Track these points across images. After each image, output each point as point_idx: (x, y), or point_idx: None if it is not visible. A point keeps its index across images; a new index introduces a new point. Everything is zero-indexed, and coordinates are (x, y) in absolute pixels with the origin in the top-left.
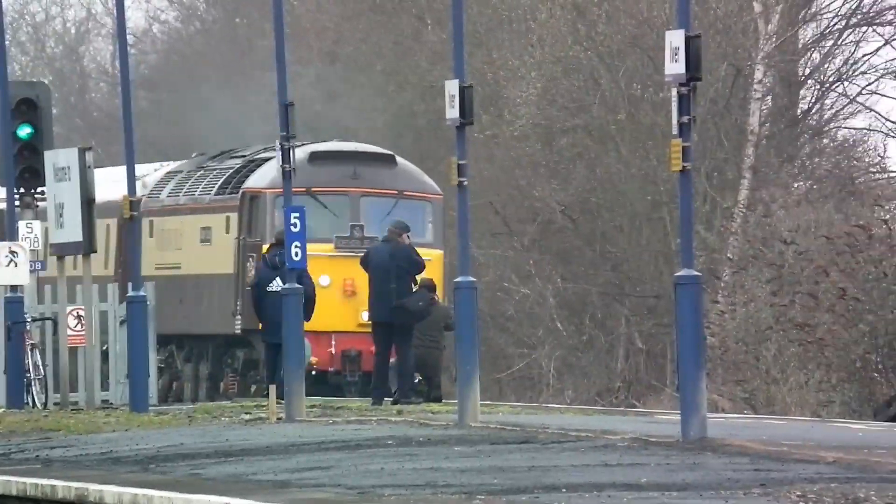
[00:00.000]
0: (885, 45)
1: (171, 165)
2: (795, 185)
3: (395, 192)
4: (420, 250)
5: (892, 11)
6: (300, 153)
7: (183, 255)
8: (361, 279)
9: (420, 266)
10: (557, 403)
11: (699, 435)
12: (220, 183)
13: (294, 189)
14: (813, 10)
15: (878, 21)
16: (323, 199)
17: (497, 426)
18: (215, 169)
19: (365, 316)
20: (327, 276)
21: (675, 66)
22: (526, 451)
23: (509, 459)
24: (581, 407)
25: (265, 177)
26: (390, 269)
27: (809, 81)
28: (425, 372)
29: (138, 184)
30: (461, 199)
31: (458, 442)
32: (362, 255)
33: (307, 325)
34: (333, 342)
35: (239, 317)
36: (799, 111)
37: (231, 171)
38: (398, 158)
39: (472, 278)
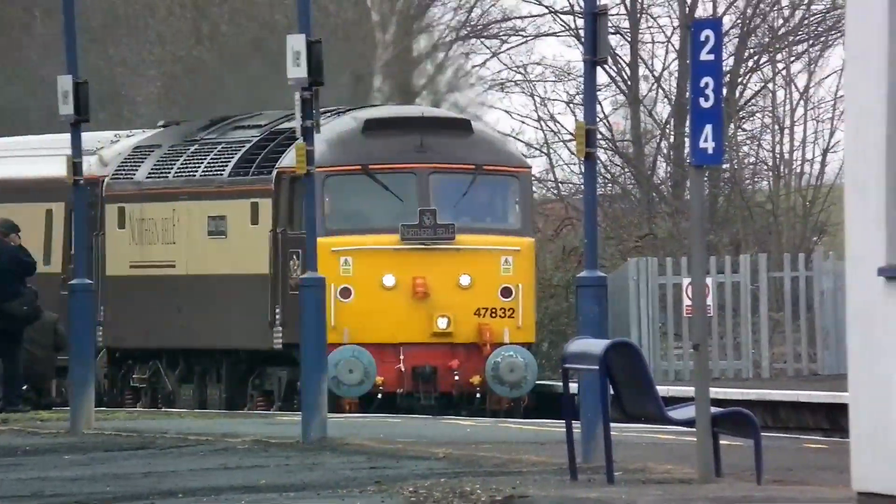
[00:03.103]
0: (492, 57)
1: (138, 137)
2: None
3: (473, 166)
4: (503, 239)
5: (499, 25)
6: (349, 121)
7: (179, 251)
8: (435, 278)
9: (27, 267)
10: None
11: (319, 435)
12: (236, 160)
13: (346, 167)
14: (426, 21)
15: (485, 34)
16: (383, 179)
17: (112, 432)
18: (220, 143)
19: (442, 323)
20: (392, 274)
21: (297, 71)
22: (143, 457)
23: (125, 466)
24: (202, 411)
25: None
26: None
27: (424, 92)
28: (33, 379)
29: (92, 160)
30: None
31: (70, 450)
32: None
33: (369, 338)
34: (402, 357)
35: (280, 328)
36: None
37: (250, 144)
38: (475, 125)
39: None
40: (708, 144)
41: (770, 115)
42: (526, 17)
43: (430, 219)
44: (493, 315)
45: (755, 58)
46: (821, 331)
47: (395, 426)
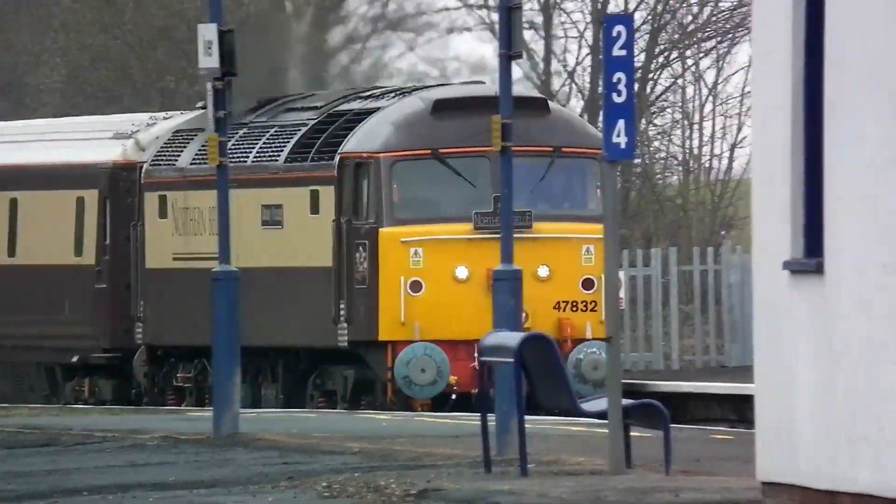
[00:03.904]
0: (408, 51)
1: (177, 120)
2: None
3: (551, 148)
4: (583, 227)
5: (416, 18)
6: (416, 102)
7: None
8: None
9: None
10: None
11: (231, 431)
12: (292, 145)
13: (415, 151)
14: (342, 13)
15: (401, 28)
16: (454, 164)
17: (15, 429)
18: (272, 126)
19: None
20: (465, 266)
21: (209, 60)
22: (46, 454)
23: (27, 464)
24: (108, 407)
25: (375, 136)
26: None
27: (340, 81)
28: None
29: (128, 143)
30: None
31: None
32: None
33: (442, 335)
34: (477, 355)
35: (345, 325)
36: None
37: (307, 128)
38: (551, 104)
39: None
40: (621, 139)
41: (680, 110)
42: (440, 10)
43: None
44: (574, 308)
45: (665, 54)
46: (728, 323)
47: (308, 421)
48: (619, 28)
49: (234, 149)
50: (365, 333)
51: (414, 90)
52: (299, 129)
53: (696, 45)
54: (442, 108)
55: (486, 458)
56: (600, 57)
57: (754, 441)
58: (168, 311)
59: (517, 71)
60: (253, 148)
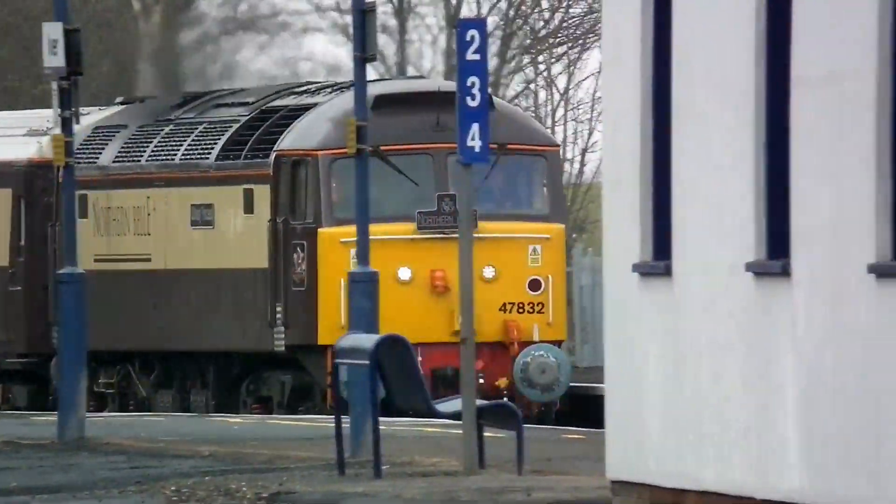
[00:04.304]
0: (261, 51)
1: (94, 117)
2: None
3: (495, 145)
4: (529, 226)
5: (268, 20)
6: None
7: (156, 243)
8: (455, 270)
9: None
10: None
11: (77, 435)
12: (223, 142)
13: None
14: (193, 14)
15: (253, 29)
16: (396, 161)
17: None
18: (200, 123)
19: None
20: (407, 267)
21: (54, 59)
22: None
23: None
24: None
25: (313, 132)
26: None
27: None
28: None
29: (43, 140)
30: None
31: None
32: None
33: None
34: (420, 358)
35: (282, 328)
36: None
37: (238, 125)
38: (496, 99)
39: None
40: (475, 143)
41: (533, 114)
42: (293, 13)
43: (450, 204)
44: (521, 310)
45: (518, 59)
46: (580, 325)
47: (157, 425)
48: (473, 32)
49: (161, 145)
50: (303, 337)
51: (351, 85)
52: (230, 126)
53: (547, 51)
54: (383, 103)
55: (339, 461)
56: (454, 62)
57: (605, 440)
58: (89, 315)
59: (371, 74)
60: (181, 145)
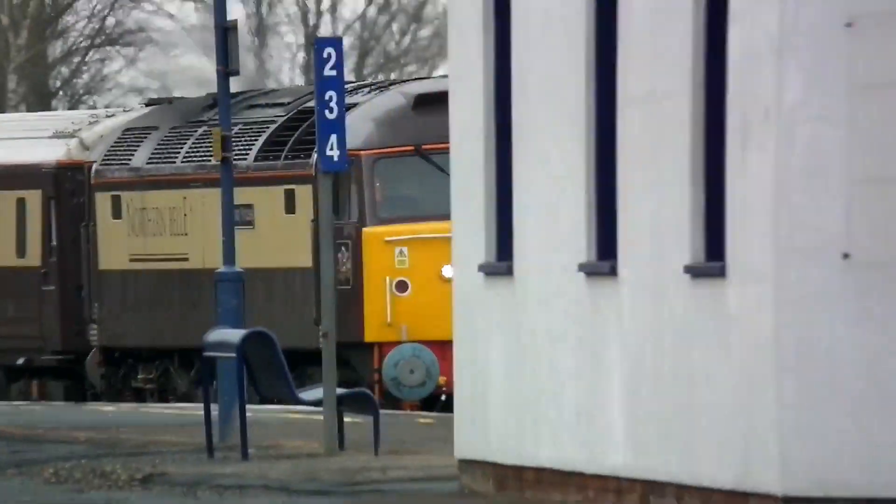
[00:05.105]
0: (128, 64)
1: (122, 118)
2: None
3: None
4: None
5: (135, 35)
6: (396, 96)
7: (193, 243)
8: None
9: None
10: None
11: None
12: (262, 143)
13: (397, 148)
14: (59, 27)
15: (121, 42)
16: (438, 160)
17: None
18: (236, 123)
19: None
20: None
21: None
22: None
23: None
24: None
25: (355, 132)
26: None
27: (60, 93)
28: None
29: (71, 143)
30: None
31: None
32: None
33: (430, 335)
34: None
35: None
36: None
37: (276, 126)
38: None
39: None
40: (334, 152)
41: None
42: (157, 31)
43: None
44: None
45: (373, 76)
46: None
47: (35, 413)
48: (329, 50)
49: (196, 146)
50: (349, 335)
51: (391, 84)
52: (268, 127)
53: (399, 70)
54: (424, 102)
55: (209, 445)
56: (312, 77)
57: (453, 423)
58: (126, 313)
59: (234, 87)
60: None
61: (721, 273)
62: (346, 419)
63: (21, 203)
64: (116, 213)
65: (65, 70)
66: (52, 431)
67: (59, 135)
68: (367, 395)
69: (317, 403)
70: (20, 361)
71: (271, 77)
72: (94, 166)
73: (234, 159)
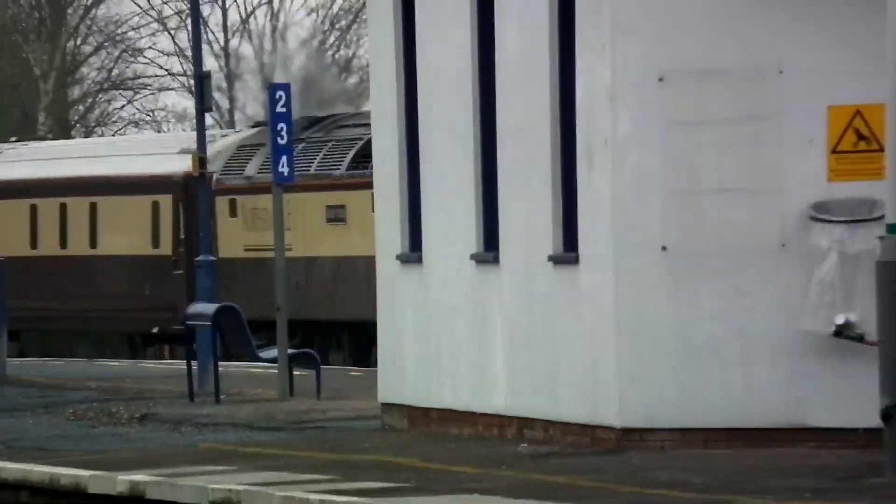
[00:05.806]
0: (128, 103)
1: (233, 137)
2: None
3: None
4: None
5: (132, 81)
6: None
7: (295, 236)
8: None
9: None
10: None
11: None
12: (352, 155)
13: None
14: (77, 76)
15: (122, 86)
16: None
17: None
18: (329, 141)
19: None
20: None
21: None
22: None
23: None
24: None
25: None
26: None
27: (78, 125)
28: None
29: (188, 158)
30: None
31: None
32: None
33: None
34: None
35: None
36: None
37: (363, 141)
38: None
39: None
40: (284, 169)
41: None
42: (151, 76)
43: None
44: None
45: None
46: None
47: (59, 367)
48: (281, 92)
49: (298, 158)
50: None
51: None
52: (356, 142)
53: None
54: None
55: (190, 392)
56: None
57: (377, 376)
58: (240, 291)
59: (209, 119)
60: (314, 158)
61: (575, 261)
62: (296, 373)
63: (156, 205)
64: (233, 213)
65: (81, 108)
66: (72, 381)
67: (184, 151)
68: (312, 355)
69: (272, 361)
70: (155, 330)
71: (238, 110)
72: (215, 175)
73: (330, 168)
